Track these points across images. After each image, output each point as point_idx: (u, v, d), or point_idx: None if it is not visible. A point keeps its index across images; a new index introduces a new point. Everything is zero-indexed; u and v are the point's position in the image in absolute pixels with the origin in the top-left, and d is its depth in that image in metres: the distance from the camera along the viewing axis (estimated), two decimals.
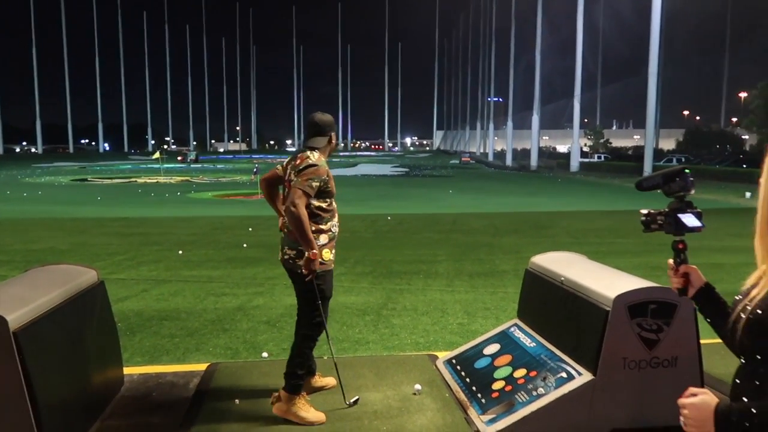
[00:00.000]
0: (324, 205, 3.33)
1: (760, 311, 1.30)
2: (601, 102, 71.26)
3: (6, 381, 2.54)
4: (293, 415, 3.24)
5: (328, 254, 3.33)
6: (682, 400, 1.32)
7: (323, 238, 3.30)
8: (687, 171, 1.53)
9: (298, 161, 3.32)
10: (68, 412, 2.95)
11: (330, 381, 3.72)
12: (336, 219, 3.44)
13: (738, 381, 1.38)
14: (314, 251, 3.17)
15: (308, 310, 3.37)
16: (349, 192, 22.67)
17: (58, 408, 2.81)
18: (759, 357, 1.30)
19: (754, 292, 1.35)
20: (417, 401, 3.54)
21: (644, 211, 1.60)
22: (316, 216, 3.30)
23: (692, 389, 1.33)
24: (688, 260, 1.56)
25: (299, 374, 3.30)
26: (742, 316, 1.34)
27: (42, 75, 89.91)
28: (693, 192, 1.53)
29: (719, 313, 1.51)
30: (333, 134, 3.48)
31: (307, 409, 3.29)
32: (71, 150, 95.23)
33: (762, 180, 1.38)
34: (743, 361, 1.37)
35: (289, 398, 3.27)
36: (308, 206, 3.26)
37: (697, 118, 74.24)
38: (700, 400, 1.30)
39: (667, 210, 1.55)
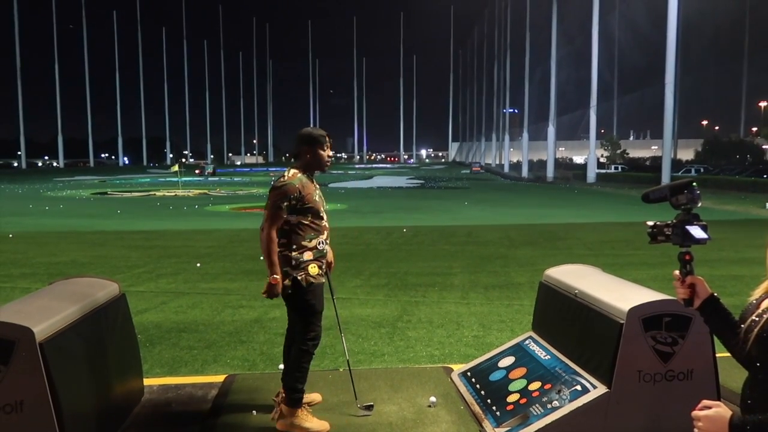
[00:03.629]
0: (305, 221, 3.33)
1: None
2: (618, 112, 70.79)
3: (32, 390, 2.62)
4: (297, 428, 3.29)
5: (314, 269, 3.34)
6: (696, 413, 1.34)
7: (307, 255, 3.32)
8: (694, 184, 1.56)
9: (275, 180, 3.42)
10: (91, 421, 3.03)
11: (315, 397, 3.73)
12: (324, 236, 3.43)
13: (748, 393, 1.39)
14: (275, 276, 3.27)
15: (302, 325, 3.39)
16: (364, 204, 22.75)
17: (81, 417, 2.89)
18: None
19: (766, 303, 1.36)
20: (432, 413, 3.56)
21: (650, 223, 1.63)
22: (296, 232, 3.33)
23: (706, 401, 1.35)
24: (694, 271, 1.58)
25: (299, 388, 3.35)
26: (754, 326, 1.35)
27: (63, 90, 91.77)
28: (699, 205, 1.56)
29: (725, 324, 1.53)
30: (305, 148, 3.42)
31: (311, 420, 3.33)
32: (92, 164, 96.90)
33: None
34: (752, 373, 1.38)
35: (291, 412, 3.32)
36: (288, 222, 3.30)
37: (716, 127, 73.39)
38: (714, 412, 1.31)
39: (674, 222, 1.57)
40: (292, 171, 3.40)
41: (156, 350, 5.11)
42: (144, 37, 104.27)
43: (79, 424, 2.83)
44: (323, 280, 3.45)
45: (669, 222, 1.58)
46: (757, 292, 1.45)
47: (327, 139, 3.48)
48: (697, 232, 1.54)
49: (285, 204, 3.27)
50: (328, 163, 3.53)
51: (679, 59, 37.75)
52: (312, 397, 3.72)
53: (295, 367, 3.36)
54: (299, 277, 3.30)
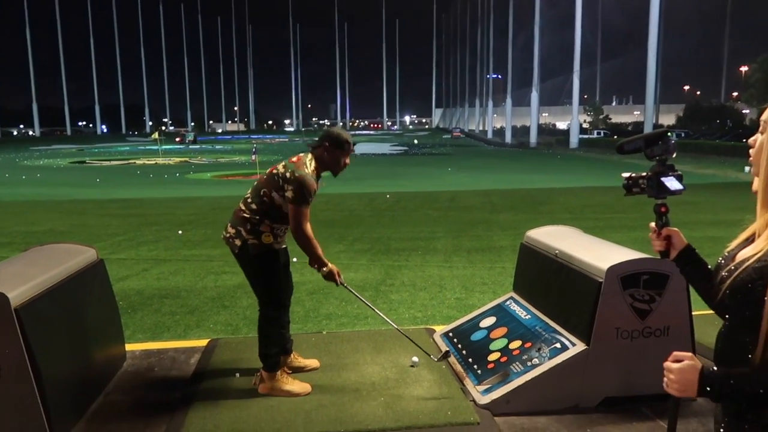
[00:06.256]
0: (285, 210, 3.23)
1: (748, 275, 1.29)
2: (601, 78, 70.83)
3: (9, 356, 2.59)
4: (279, 391, 3.31)
5: (268, 238, 3.26)
6: (668, 364, 1.35)
7: (264, 227, 3.24)
8: (669, 134, 1.54)
9: (295, 159, 3.28)
10: (72, 385, 3.01)
11: (311, 363, 3.72)
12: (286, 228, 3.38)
13: (721, 345, 1.40)
14: (324, 269, 3.28)
15: (258, 289, 3.37)
16: (347, 171, 22.55)
17: (61, 382, 2.87)
18: (741, 321, 1.32)
19: (749, 251, 1.35)
20: (414, 373, 3.60)
21: (626, 175, 1.61)
22: (270, 212, 3.24)
23: (677, 353, 1.35)
24: (670, 223, 1.57)
25: (272, 353, 3.35)
26: (728, 277, 1.35)
27: (37, 57, 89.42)
28: (674, 155, 1.54)
29: (700, 275, 1.53)
30: (328, 147, 3.31)
31: (291, 382, 3.36)
32: (69, 132, 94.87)
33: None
34: (726, 324, 1.39)
35: (270, 376, 3.34)
36: (272, 199, 3.21)
37: (698, 92, 73.76)
38: (686, 364, 1.32)
39: (649, 173, 1.56)
40: (313, 165, 3.29)
41: (138, 316, 5.08)
42: (119, 0, 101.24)
43: (59, 389, 2.82)
44: (278, 247, 3.35)
45: (644, 174, 1.57)
46: (733, 244, 1.44)
47: (351, 147, 3.40)
48: (672, 183, 1.53)
49: (311, 199, 3.20)
50: (342, 171, 3.43)
51: (662, 24, 37.63)
52: (308, 362, 3.71)
53: (262, 334, 3.36)
54: (250, 242, 3.25)
